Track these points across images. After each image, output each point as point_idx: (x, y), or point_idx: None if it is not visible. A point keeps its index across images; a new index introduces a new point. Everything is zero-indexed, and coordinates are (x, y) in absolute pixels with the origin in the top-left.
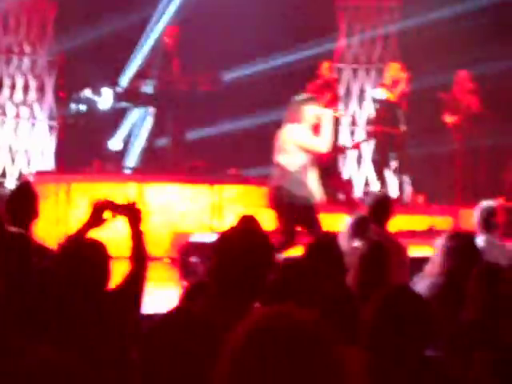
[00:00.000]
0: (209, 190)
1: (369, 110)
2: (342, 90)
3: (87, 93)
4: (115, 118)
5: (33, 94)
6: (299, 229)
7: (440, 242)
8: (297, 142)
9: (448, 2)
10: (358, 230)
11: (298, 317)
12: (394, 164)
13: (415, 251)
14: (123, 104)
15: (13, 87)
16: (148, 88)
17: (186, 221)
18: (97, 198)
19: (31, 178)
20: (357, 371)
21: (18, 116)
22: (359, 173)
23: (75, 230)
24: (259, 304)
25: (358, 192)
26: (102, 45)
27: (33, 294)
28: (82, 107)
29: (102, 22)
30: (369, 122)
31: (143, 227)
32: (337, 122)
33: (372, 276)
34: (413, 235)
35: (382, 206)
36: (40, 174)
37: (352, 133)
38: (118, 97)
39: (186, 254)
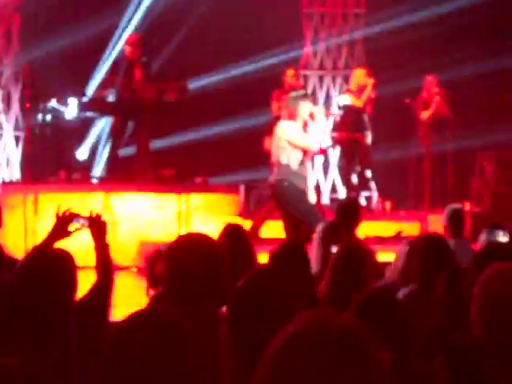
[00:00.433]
0: (176, 199)
1: (335, 117)
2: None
3: (53, 103)
4: (82, 127)
5: None
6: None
7: (402, 247)
8: (288, 139)
9: (412, 8)
10: (329, 236)
11: (339, 321)
12: (359, 170)
13: (383, 257)
14: (89, 113)
15: None
16: (112, 97)
17: (154, 230)
18: (61, 210)
19: None
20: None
21: None
22: (326, 179)
23: (40, 241)
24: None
25: (324, 199)
26: (68, 55)
27: (2, 307)
28: (48, 117)
29: (68, 32)
30: (334, 129)
31: (109, 239)
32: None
33: (347, 281)
34: (380, 241)
35: (351, 212)
36: (7, 184)
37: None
38: (84, 106)
39: (153, 263)
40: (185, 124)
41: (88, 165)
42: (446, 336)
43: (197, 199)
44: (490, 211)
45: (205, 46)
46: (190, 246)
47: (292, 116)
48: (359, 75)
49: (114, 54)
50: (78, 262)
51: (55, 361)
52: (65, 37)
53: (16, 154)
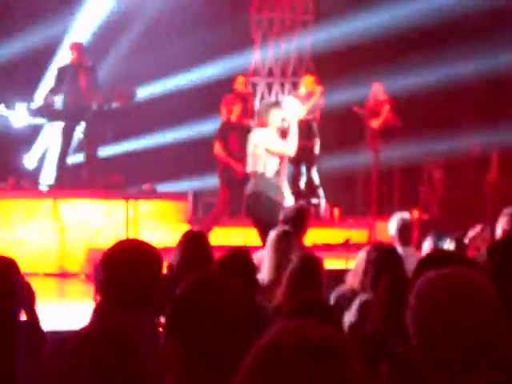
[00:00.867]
0: (124, 206)
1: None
2: (257, 104)
3: (1, 109)
4: (30, 134)
5: None
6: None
7: (362, 253)
8: (265, 146)
9: (360, 15)
10: (282, 244)
11: (315, 331)
12: (307, 177)
13: (331, 264)
14: (38, 120)
15: None
16: (60, 104)
17: (102, 236)
18: None
19: None
20: None
21: None
22: None
23: None
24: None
25: None
26: (16, 61)
27: None
28: None
29: (15, 38)
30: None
31: (57, 246)
32: None
33: (306, 289)
34: (328, 248)
35: (299, 219)
36: None
37: None
38: (32, 113)
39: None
40: (133, 131)
41: (36, 171)
42: (386, 341)
43: (145, 206)
44: (438, 218)
45: (153, 51)
46: (125, 252)
47: (264, 124)
48: (307, 82)
49: (60, 60)
50: (26, 268)
51: None
52: (12, 43)
53: None
